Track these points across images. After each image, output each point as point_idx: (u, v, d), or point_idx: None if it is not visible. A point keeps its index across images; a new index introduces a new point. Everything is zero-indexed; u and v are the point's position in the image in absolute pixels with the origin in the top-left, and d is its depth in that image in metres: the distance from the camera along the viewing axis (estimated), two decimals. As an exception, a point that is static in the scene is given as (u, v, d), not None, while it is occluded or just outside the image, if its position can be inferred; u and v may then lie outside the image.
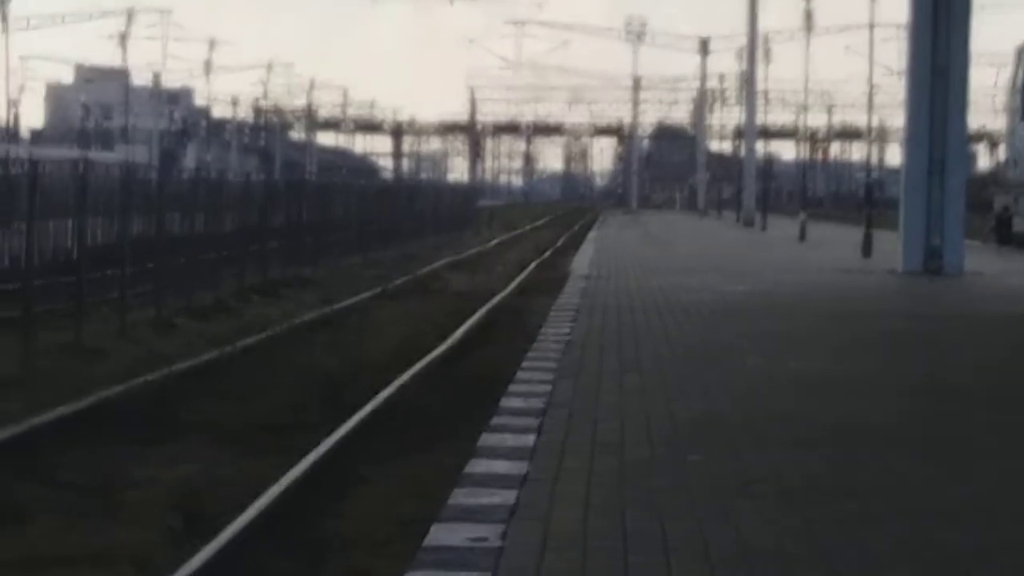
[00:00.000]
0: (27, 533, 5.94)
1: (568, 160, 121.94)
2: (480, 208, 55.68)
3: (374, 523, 6.13)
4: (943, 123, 18.88)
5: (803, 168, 46.18)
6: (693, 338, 10.68)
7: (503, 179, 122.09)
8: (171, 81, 78.44)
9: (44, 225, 12.29)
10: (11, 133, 57.48)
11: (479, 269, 23.70)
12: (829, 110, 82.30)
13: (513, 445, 6.16)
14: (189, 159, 75.69)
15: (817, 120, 79.48)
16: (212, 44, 73.49)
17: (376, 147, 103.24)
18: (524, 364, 8.98)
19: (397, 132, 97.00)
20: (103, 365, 10.57)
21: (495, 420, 6.83)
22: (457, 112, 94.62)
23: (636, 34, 69.42)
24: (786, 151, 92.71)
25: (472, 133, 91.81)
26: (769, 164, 48.62)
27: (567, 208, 75.40)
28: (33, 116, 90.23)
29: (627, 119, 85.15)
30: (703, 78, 69.23)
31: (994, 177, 34.71)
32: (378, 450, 7.60)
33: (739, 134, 55.82)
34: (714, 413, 7.15)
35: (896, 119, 77.13)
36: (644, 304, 13.63)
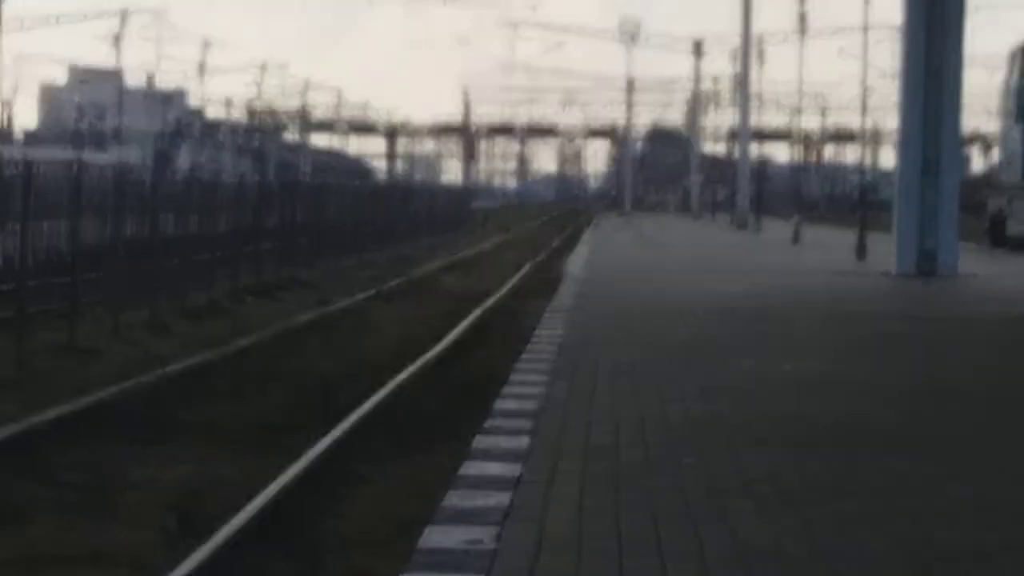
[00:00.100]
0: (25, 533, 5.95)
1: (562, 162, 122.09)
2: (474, 210, 55.71)
3: (371, 523, 6.14)
4: (937, 125, 18.92)
5: (797, 170, 46.29)
6: (687, 340, 10.70)
7: (497, 181, 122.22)
8: (165, 82, 78.48)
9: (38, 226, 12.28)
10: (5, 134, 57.38)
11: (473, 271, 23.73)
12: (823, 112, 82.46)
13: (507, 447, 6.17)
14: (183, 160, 75.60)
15: (811, 122, 79.66)
16: (206, 45, 73.57)
17: (370, 148, 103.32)
18: (518, 366, 8.98)
19: (391, 133, 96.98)
20: (97, 365, 10.58)
21: (489, 422, 6.83)
22: (451, 114, 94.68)
23: (630, 35, 69.51)
24: (780, 153, 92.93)
25: (466, 135, 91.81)
26: (763, 166, 48.67)
27: (561, 210, 75.42)
28: (26, 117, 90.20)
29: (621, 121, 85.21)
30: (697, 80, 69.27)
31: (988, 179, 34.79)
32: (373, 451, 7.62)
33: (733, 136, 55.90)
34: (709, 414, 7.16)
35: (890, 121, 77.30)
36: (638, 306, 13.65)
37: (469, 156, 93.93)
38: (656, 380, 8.40)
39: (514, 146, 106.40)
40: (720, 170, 72.28)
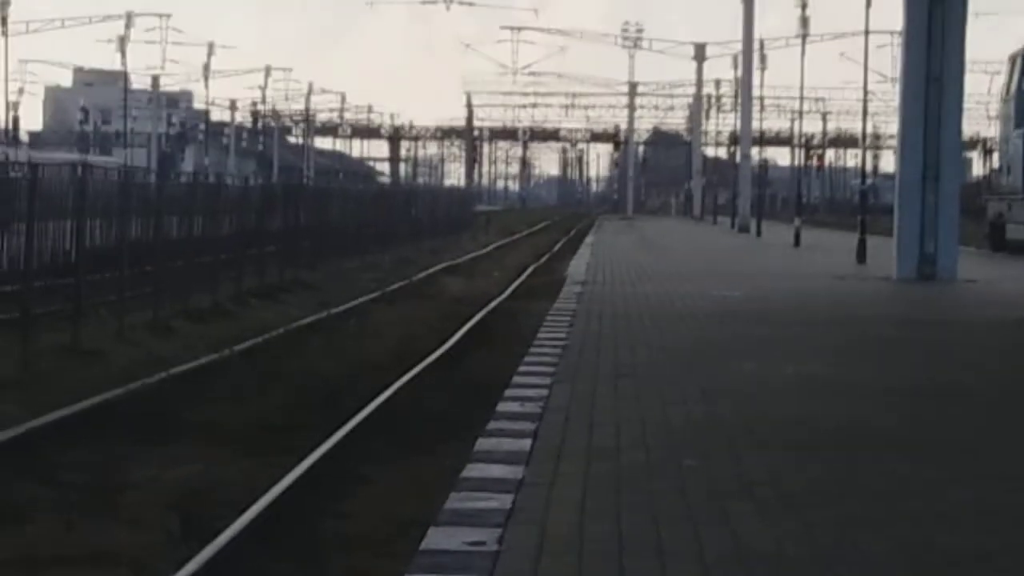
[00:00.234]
0: (27, 533, 5.97)
1: (564, 165, 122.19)
2: (477, 213, 55.73)
3: (373, 524, 6.18)
4: (937, 130, 18.95)
5: (798, 174, 46.26)
6: (689, 343, 10.72)
7: (500, 184, 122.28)
8: (170, 85, 78.51)
9: (43, 227, 12.33)
10: (11, 136, 57.47)
11: (476, 273, 23.76)
12: (824, 117, 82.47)
13: (509, 449, 6.18)
14: (187, 163, 75.68)
15: (812, 126, 79.64)
16: (211, 48, 73.50)
17: (373, 152, 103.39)
18: (520, 368, 9.01)
19: (394, 137, 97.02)
20: (101, 367, 10.61)
21: (492, 424, 6.85)
22: (454, 117, 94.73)
23: (632, 40, 69.49)
24: (781, 157, 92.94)
25: (469, 138, 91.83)
26: (764, 170, 48.67)
27: (563, 213, 75.45)
28: (31, 119, 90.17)
29: (623, 125, 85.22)
30: (699, 84, 69.22)
31: (988, 184, 34.81)
32: (376, 452, 7.64)
33: (735, 140, 55.90)
34: (711, 417, 7.18)
35: (890, 126, 77.37)
36: (640, 309, 13.68)
37: (472, 159, 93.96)
38: (657, 383, 8.43)
39: (517, 150, 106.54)
40: (722, 174, 72.30)
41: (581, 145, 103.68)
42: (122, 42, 63.80)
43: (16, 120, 63.88)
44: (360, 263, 24.59)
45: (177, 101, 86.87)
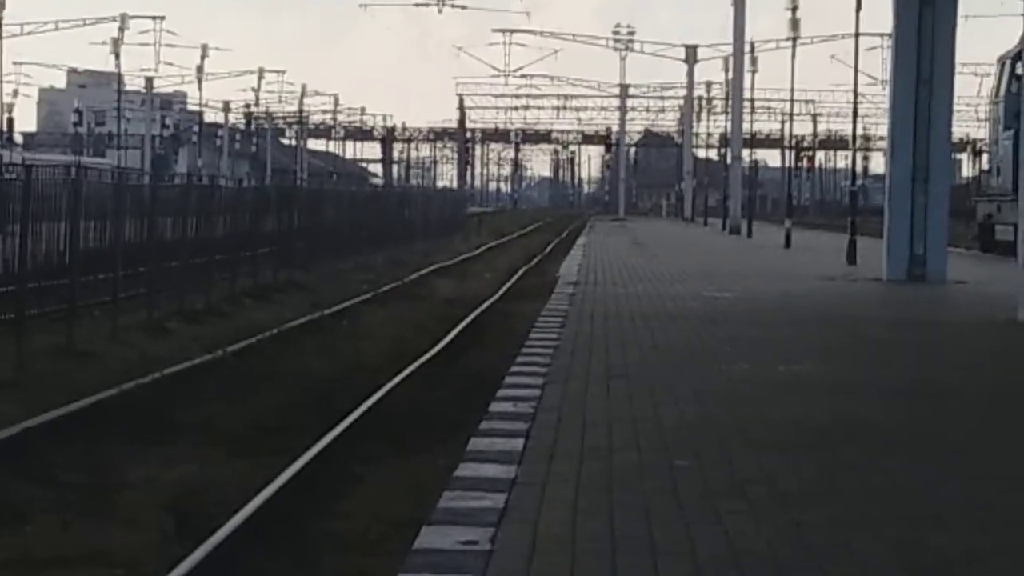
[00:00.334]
0: (24, 533, 6.00)
1: (556, 167, 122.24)
2: (469, 214, 55.74)
3: (367, 524, 6.21)
4: (927, 132, 19.04)
5: (789, 176, 46.37)
6: (680, 344, 10.77)
7: (492, 186, 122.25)
8: (163, 87, 78.45)
9: (37, 229, 12.35)
10: (5, 138, 57.38)
11: (468, 275, 23.80)
12: (814, 118, 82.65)
13: (502, 449, 6.21)
14: (181, 164, 75.58)
15: (802, 128, 79.83)
16: (204, 50, 73.38)
17: (366, 153, 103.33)
18: (513, 369, 9.03)
19: (387, 139, 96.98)
20: (96, 367, 10.62)
21: (484, 424, 6.88)
22: (447, 119, 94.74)
23: (624, 43, 69.53)
24: (772, 159, 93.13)
25: (461, 140, 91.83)
26: (755, 172, 48.72)
27: (555, 215, 75.47)
28: (26, 120, 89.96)
29: (615, 127, 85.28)
30: (690, 86, 69.31)
31: (977, 185, 34.96)
32: (370, 452, 7.68)
33: (725, 142, 56.00)
34: (703, 417, 7.21)
35: (880, 128, 77.50)
36: (631, 310, 13.73)
37: (464, 161, 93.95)
38: (649, 383, 8.46)
39: (509, 152, 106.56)
40: (713, 175, 72.39)
41: (573, 147, 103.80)
42: (116, 44, 63.70)
43: (10, 121, 63.73)
44: (353, 264, 24.61)
45: (171, 103, 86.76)
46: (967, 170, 79.20)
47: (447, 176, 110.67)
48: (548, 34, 71.93)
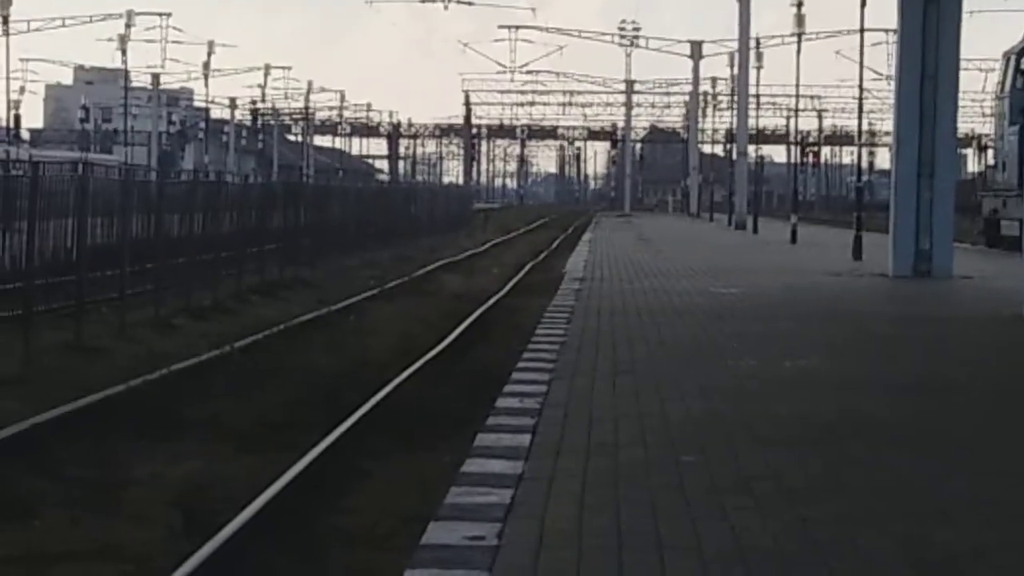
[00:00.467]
0: (33, 528, 6.03)
1: (562, 163, 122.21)
2: (475, 210, 55.77)
3: (374, 519, 6.23)
4: (932, 127, 19.02)
5: (794, 171, 46.33)
6: (687, 340, 10.78)
7: (498, 182, 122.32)
8: (170, 83, 78.56)
9: (45, 225, 12.40)
10: (12, 135, 57.53)
11: (475, 270, 23.82)
12: (820, 114, 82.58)
13: (509, 444, 6.23)
14: (187, 161, 75.68)
15: (808, 124, 79.80)
16: (211, 47, 73.45)
17: (372, 150, 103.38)
18: (519, 365, 9.05)
19: (393, 135, 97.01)
20: (103, 364, 10.66)
21: (491, 420, 6.90)
22: (452, 115, 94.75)
23: (630, 39, 69.47)
24: (777, 155, 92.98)
25: (467, 136, 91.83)
26: (760, 167, 48.68)
27: (561, 211, 75.53)
28: (33, 117, 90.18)
29: (620, 122, 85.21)
30: (696, 82, 69.23)
31: (983, 180, 34.91)
32: (377, 448, 7.69)
33: (731, 137, 55.96)
34: (709, 413, 7.23)
35: (886, 123, 77.45)
36: (638, 306, 13.75)
37: (470, 157, 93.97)
38: (656, 379, 8.47)
39: (515, 148, 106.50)
40: (718, 171, 72.36)
41: (579, 143, 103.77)
42: (123, 40, 63.82)
43: (17, 118, 63.91)
44: (360, 260, 24.65)
45: (177, 99, 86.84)
46: (972, 165, 79.10)
47: (453, 172, 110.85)
48: (554, 30, 71.86)
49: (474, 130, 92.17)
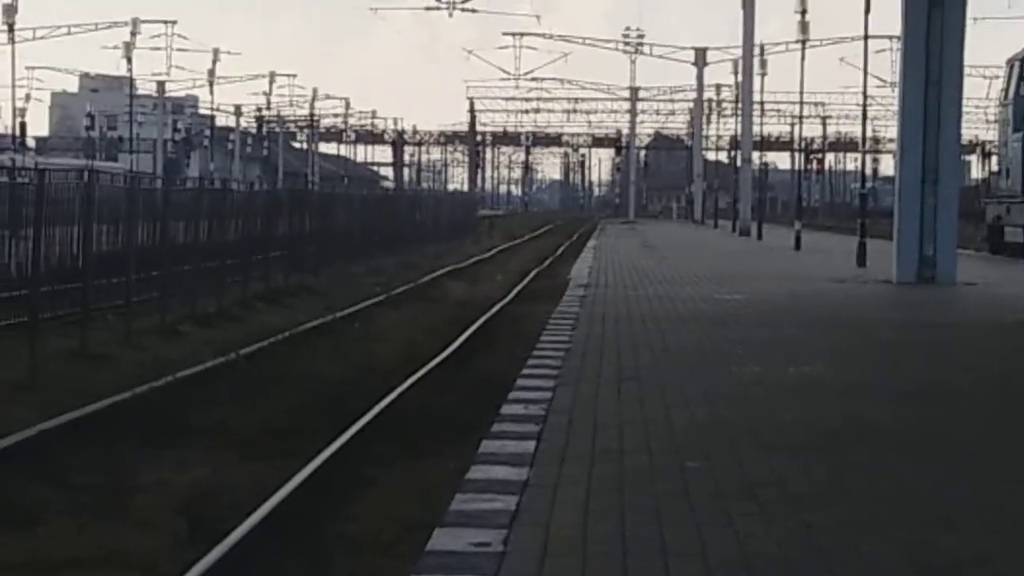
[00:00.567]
0: (39, 535, 6.05)
1: (566, 170, 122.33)
2: (480, 217, 55.82)
3: (380, 525, 6.24)
4: (936, 133, 19.04)
5: (798, 178, 46.33)
6: (691, 346, 10.79)
7: (503, 189, 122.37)
8: (175, 91, 78.70)
9: (50, 233, 12.44)
10: (18, 142, 57.71)
11: (479, 277, 23.85)
12: (824, 121, 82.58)
13: (514, 451, 6.24)
14: (192, 168, 75.81)
15: (812, 131, 79.79)
16: (216, 55, 73.61)
17: (377, 157, 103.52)
18: (524, 371, 9.06)
19: (398, 142, 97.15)
20: (109, 371, 10.69)
21: (496, 427, 6.91)
22: (457, 122, 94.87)
23: (634, 46, 69.54)
24: (781, 161, 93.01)
25: (472, 143, 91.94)
26: (765, 174, 48.72)
27: (566, 217, 75.58)
28: (38, 124, 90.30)
29: (625, 129, 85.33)
30: (700, 89, 69.28)
31: (986, 187, 34.92)
32: (382, 455, 7.71)
33: (735, 144, 56.03)
34: (713, 419, 7.24)
35: (890, 130, 77.37)
36: (642, 312, 13.76)
37: (475, 164, 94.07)
38: (660, 385, 8.49)
39: (519, 155, 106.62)
40: (723, 178, 72.37)
41: (583, 150, 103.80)
42: (128, 48, 63.99)
43: (23, 126, 64.07)
44: (365, 267, 24.69)
45: (182, 107, 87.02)
46: (976, 172, 79.03)
47: (458, 179, 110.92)
48: (558, 37, 72.01)
49: (479, 137, 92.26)
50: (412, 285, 20.70)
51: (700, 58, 66.48)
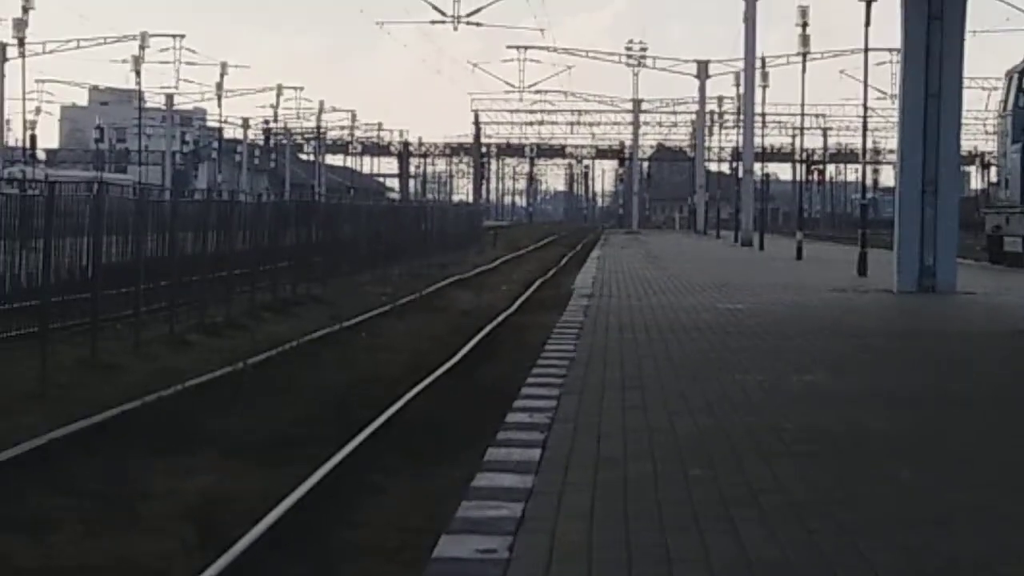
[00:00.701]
0: (50, 542, 6.09)
1: (570, 181, 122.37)
2: (485, 228, 55.86)
3: (386, 532, 6.29)
4: (936, 145, 19.09)
5: (799, 189, 46.39)
6: (694, 355, 10.82)
7: (507, 200, 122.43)
8: (183, 104, 78.79)
9: (60, 244, 12.53)
10: (28, 155, 57.86)
11: (484, 287, 23.91)
12: (824, 132, 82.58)
13: (519, 459, 6.26)
14: (201, 180, 75.91)
15: (813, 142, 79.85)
16: (223, 68, 73.80)
17: (383, 168, 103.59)
18: (529, 380, 9.08)
19: (403, 154, 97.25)
20: (118, 380, 10.75)
21: (501, 434, 6.93)
22: (462, 134, 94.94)
23: (637, 59, 69.63)
24: (783, 172, 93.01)
25: (477, 155, 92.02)
26: (766, 185, 48.74)
27: (569, 228, 75.58)
28: (48, 137, 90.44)
29: (628, 141, 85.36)
30: (702, 101, 69.32)
31: (986, 197, 34.97)
32: (388, 462, 7.75)
33: (737, 155, 56.08)
34: (716, 427, 7.28)
35: (890, 141, 77.39)
36: (646, 322, 13.81)
37: (480, 176, 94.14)
38: (664, 394, 8.52)
39: (524, 166, 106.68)
40: (725, 189, 72.39)
41: (587, 161, 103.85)
42: (137, 62, 64.14)
43: (33, 138, 64.22)
44: (371, 278, 24.75)
45: (191, 119, 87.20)
46: (975, 182, 79.00)
47: (463, 190, 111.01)
48: (562, 50, 72.07)
49: (483, 149, 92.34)
50: (418, 295, 20.76)
51: (702, 71, 66.56)
